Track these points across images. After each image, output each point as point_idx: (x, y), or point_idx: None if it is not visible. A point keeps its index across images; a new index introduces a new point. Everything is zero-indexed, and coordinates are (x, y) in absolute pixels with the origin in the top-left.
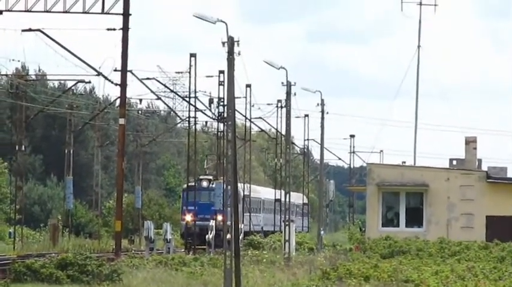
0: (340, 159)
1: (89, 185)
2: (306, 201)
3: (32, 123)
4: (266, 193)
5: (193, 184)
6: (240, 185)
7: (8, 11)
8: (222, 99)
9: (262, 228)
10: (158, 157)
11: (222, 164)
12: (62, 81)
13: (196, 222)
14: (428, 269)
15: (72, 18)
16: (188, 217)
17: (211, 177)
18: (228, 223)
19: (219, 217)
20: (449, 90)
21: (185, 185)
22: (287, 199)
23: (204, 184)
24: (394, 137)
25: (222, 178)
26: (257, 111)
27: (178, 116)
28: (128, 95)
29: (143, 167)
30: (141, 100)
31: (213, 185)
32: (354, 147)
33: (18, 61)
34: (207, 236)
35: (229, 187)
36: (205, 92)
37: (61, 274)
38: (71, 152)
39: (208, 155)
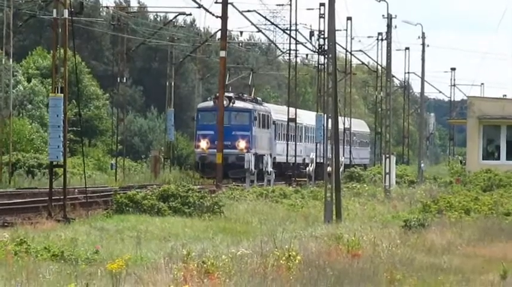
0: (440, 92)
1: (189, 117)
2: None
3: (132, 56)
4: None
5: (210, 103)
6: (340, 119)
7: None
8: (323, 32)
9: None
10: (258, 89)
11: (323, 97)
12: (163, 14)
13: (213, 150)
14: None
15: None
16: (203, 144)
17: (231, 94)
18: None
19: (242, 144)
20: None
21: (199, 105)
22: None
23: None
24: (495, 70)
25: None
26: (357, 44)
27: (279, 49)
28: (229, 27)
29: None
30: (241, 32)
31: (234, 105)
32: (454, 80)
33: None
34: (307, 169)
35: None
36: (305, 24)
37: (163, 206)
38: (172, 84)
39: (231, 67)
